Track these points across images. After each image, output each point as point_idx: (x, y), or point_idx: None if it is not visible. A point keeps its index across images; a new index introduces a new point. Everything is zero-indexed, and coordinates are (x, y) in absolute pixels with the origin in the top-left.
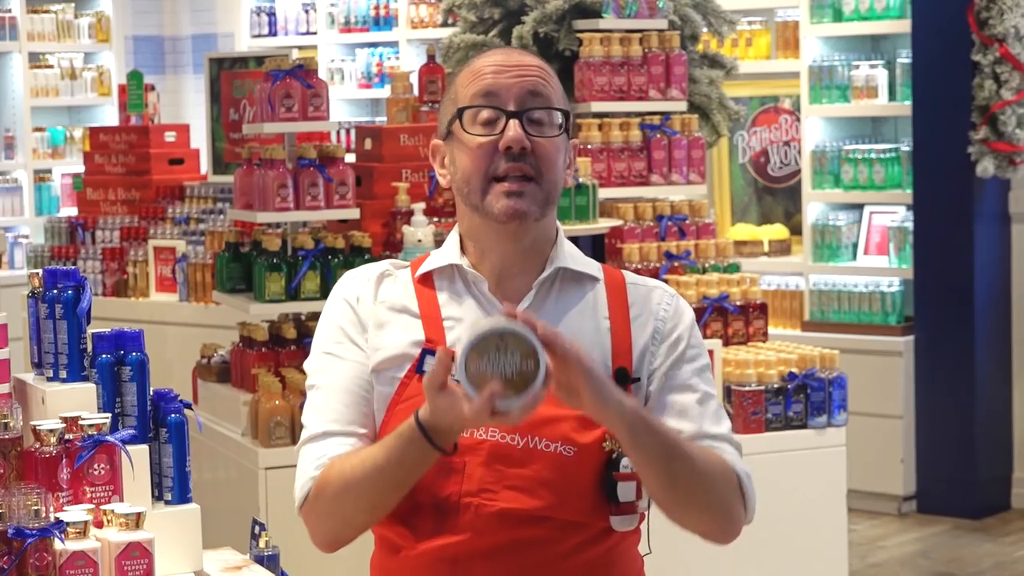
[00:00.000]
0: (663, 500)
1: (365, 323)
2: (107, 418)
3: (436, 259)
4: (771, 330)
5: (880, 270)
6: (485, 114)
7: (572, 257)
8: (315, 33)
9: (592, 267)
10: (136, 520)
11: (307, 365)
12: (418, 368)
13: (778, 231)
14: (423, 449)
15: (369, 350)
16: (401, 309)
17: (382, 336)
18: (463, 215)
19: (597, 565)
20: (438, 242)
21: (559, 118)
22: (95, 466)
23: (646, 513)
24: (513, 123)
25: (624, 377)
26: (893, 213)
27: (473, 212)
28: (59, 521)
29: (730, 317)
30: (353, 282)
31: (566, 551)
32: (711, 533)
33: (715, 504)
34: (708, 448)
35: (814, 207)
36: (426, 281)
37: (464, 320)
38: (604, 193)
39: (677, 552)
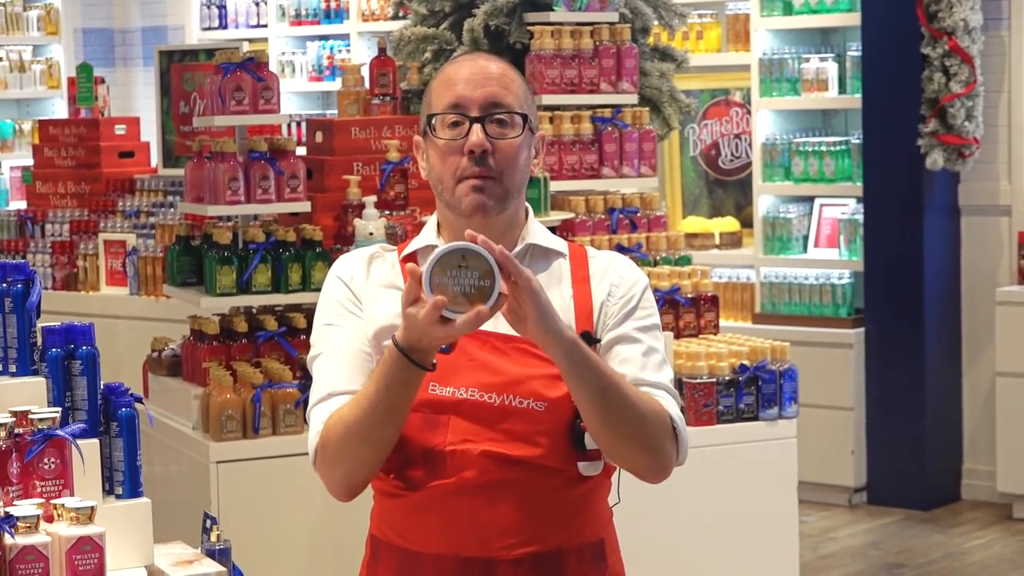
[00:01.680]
0: (597, 429)
1: (360, 297)
2: (57, 412)
3: (417, 241)
4: (722, 322)
5: (831, 262)
6: (452, 119)
7: (541, 235)
8: (265, 26)
9: (559, 244)
10: (87, 514)
11: (312, 340)
12: None
13: (729, 224)
14: (405, 368)
15: (365, 319)
16: (389, 285)
17: (373, 309)
18: (439, 206)
19: (572, 506)
20: (389, 235)
21: (520, 120)
22: (45, 460)
23: (616, 466)
24: (476, 128)
25: (587, 340)
26: (843, 206)
27: (446, 207)
28: (9, 516)
29: (681, 310)
30: (347, 262)
31: (544, 492)
32: (643, 470)
33: (647, 441)
34: (645, 392)
35: (765, 200)
36: (410, 260)
37: None
38: (555, 186)
39: (633, 542)
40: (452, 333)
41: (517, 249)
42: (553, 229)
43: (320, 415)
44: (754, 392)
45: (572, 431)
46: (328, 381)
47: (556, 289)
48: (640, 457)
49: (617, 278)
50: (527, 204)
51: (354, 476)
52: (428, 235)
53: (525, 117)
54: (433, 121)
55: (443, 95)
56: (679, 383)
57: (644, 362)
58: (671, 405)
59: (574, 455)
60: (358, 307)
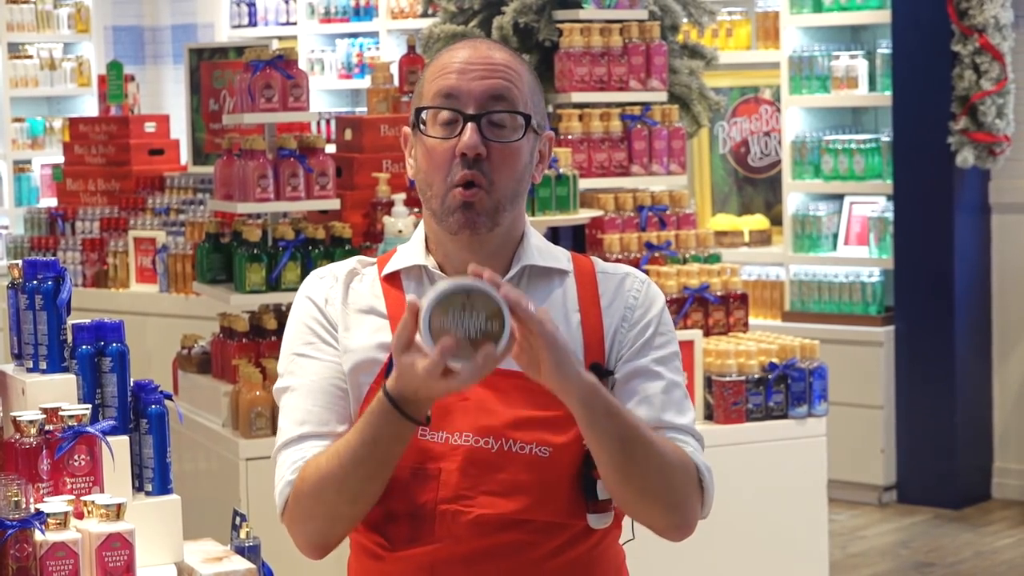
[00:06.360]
0: (616, 486)
1: (335, 324)
2: (87, 409)
3: (402, 258)
4: (752, 320)
5: (860, 260)
6: (445, 115)
7: (539, 252)
8: (295, 23)
9: (560, 260)
10: (116, 511)
11: (279, 367)
12: (387, 373)
13: (758, 221)
14: (396, 422)
15: (340, 350)
16: (368, 310)
17: (350, 339)
18: (426, 216)
19: (578, 565)
20: None
21: (522, 121)
22: (75, 457)
23: None
24: (470, 127)
25: (598, 372)
26: (873, 203)
27: (432, 218)
28: (39, 512)
29: (711, 307)
30: (321, 283)
31: (546, 553)
32: (665, 529)
33: (670, 496)
34: (670, 439)
35: (794, 197)
36: (393, 280)
37: None
38: (585, 183)
39: (657, 543)
40: (455, 385)
41: (511, 272)
42: (582, 227)
43: (290, 460)
44: (783, 390)
45: (582, 479)
46: (298, 421)
47: (560, 315)
48: (662, 514)
49: (631, 300)
50: (525, 219)
51: (327, 533)
52: (415, 252)
53: (528, 118)
54: (423, 115)
55: (435, 85)
56: (708, 381)
57: (665, 401)
58: (697, 453)
59: (582, 506)
60: (332, 335)
